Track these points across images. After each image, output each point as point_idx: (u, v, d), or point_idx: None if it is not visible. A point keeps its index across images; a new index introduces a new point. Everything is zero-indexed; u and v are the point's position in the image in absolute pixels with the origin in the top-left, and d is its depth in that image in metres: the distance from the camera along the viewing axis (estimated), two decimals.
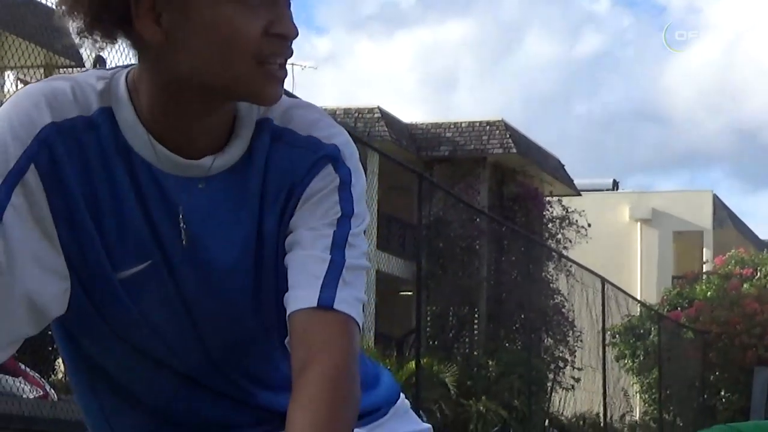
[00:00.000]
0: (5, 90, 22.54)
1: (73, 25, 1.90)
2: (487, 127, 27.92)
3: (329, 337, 1.94)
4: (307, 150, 2.02)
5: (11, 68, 21.95)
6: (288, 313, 1.97)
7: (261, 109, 2.04)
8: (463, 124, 28.48)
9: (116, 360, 2.11)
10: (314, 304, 1.94)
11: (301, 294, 1.96)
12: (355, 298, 1.99)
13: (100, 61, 20.16)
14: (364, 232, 2.11)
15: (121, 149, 1.96)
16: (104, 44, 1.92)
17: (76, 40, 1.92)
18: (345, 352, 1.94)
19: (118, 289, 2.00)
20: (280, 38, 1.92)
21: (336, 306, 1.95)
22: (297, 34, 1.94)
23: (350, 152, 2.07)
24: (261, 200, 2.03)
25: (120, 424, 2.19)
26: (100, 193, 1.96)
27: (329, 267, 1.97)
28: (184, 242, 2.00)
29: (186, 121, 1.96)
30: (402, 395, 2.39)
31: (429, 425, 2.44)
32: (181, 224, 1.99)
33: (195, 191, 2.00)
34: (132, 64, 2.01)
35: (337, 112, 24.13)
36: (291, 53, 1.96)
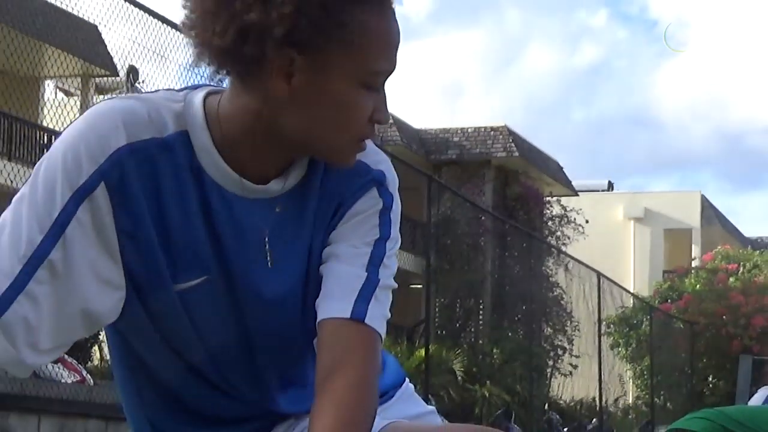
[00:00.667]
0: (45, 97, 22.44)
1: (195, 51, 1.87)
2: (492, 132, 27.68)
3: (357, 348, 1.92)
4: (357, 173, 1.99)
5: (50, 77, 21.87)
6: (320, 318, 1.95)
7: None
8: (469, 130, 28.20)
9: (157, 359, 2.06)
10: (347, 315, 1.92)
11: (336, 305, 1.93)
12: (382, 315, 1.97)
13: (133, 71, 20.16)
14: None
15: (194, 170, 1.92)
16: (219, 73, 1.88)
17: (191, 60, 1.88)
18: (370, 365, 1.92)
19: (175, 300, 1.95)
20: (378, 123, 1.94)
21: (367, 320, 1.93)
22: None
23: (392, 178, 2.05)
24: (314, 219, 2.01)
25: (153, 412, 2.14)
26: (169, 209, 1.91)
27: (365, 283, 1.95)
28: (269, 263, 1.99)
29: (261, 156, 1.93)
30: (407, 380, 2.35)
31: (433, 407, 2.38)
32: (267, 246, 1.98)
33: (273, 214, 1.98)
34: (199, 86, 1.98)
35: None
36: None
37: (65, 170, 1.84)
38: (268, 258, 1.98)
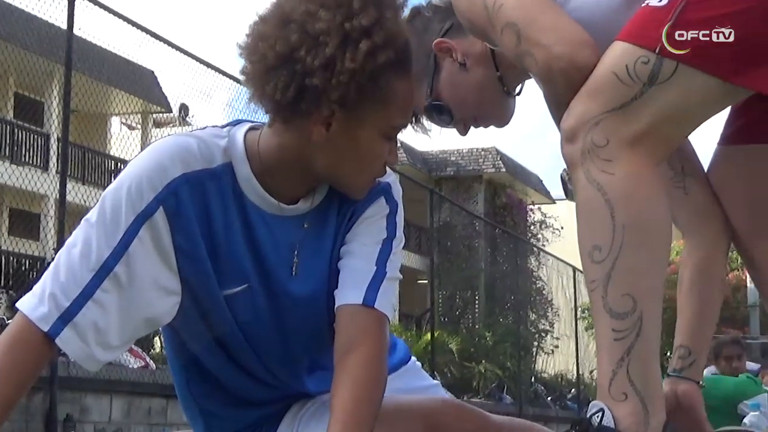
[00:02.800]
0: (112, 131, 22.56)
1: (252, 98, 1.88)
2: (483, 152, 27.73)
3: (369, 329, 1.92)
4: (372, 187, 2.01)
5: (116, 114, 21.98)
6: (337, 304, 1.95)
7: None
8: (464, 150, 28.22)
9: (205, 352, 2.07)
10: (360, 301, 1.92)
11: (350, 293, 1.93)
12: (389, 302, 1.97)
13: (184, 108, 20.32)
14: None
15: (237, 196, 1.93)
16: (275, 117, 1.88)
17: (249, 102, 1.90)
18: (379, 343, 1.92)
19: (223, 304, 1.95)
20: (389, 165, 1.98)
21: (377, 306, 1.93)
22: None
23: (397, 189, 2.06)
24: (335, 231, 2.02)
25: (200, 395, 2.15)
26: (216, 229, 1.92)
27: (374, 275, 1.95)
28: (294, 272, 1.99)
29: (293, 183, 1.95)
30: (413, 358, 2.35)
31: (438, 381, 2.38)
32: (295, 258, 1.98)
33: (302, 230, 1.98)
34: (239, 121, 1.99)
35: None
36: None
37: (129, 197, 1.84)
38: (294, 268, 1.97)
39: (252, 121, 2.01)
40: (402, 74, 1.88)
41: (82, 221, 1.88)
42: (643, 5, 2.01)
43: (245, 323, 1.99)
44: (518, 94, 2.51)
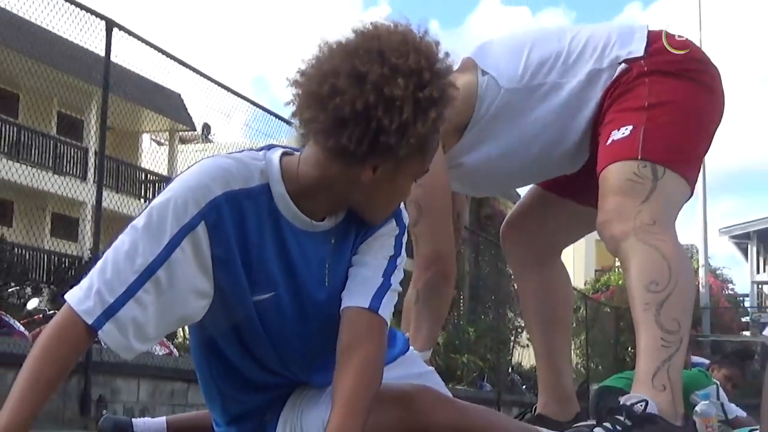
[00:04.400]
0: (142, 147, 22.57)
1: (319, 139, 1.85)
2: None
3: (371, 330, 1.95)
4: None
5: (146, 132, 21.96)
6: (345, 306, 1.97)
7: None
8: None
9: (229, 347, 2.09)
10: (366, 305, 1.95)
11: (359, 298, 1.96)
12: (389, 310, 1.99)
13: (206, 127, 20.29)
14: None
15: (272, 213, 1.94)
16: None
17: (295, 134, 1.94)
18: (380, 344, 1.96)
19: (251, 308, 1.98)
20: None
21: (380, 311, 1.96)
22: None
23: (405, 214, 2.10)
24: (353, 244, 2.04)
25: (219, 380, 2.16)
26: (251, 241, 1.93)
27: (380, 285, 1.98)
28: (327, 284, 2.01)
29: (325, 205, 1.97)
30: (411, 348, 2.39)
31: (432, 368, 2.41)
32: (326, 270, 2.01)
33: (330, 245, 2.01)
34: (272, 146, 2.01)
35: None
36: None
37: (175, 210, 1.86)
38: (327, 279, 2.00)
39: (284, 147, 2.02)
40: (431, 121, 1.86)
41: (129, 227, 1.89)
42: (608, 143, 2.54)
43: (269, 325, 2.01)
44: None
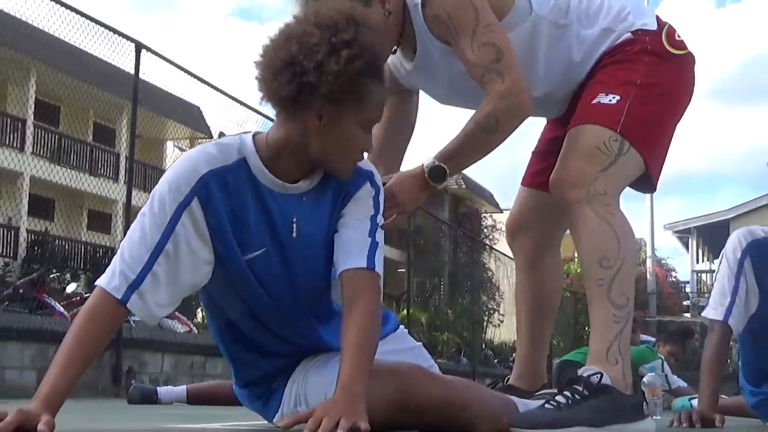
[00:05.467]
0: (167, 152, 22.54)
1: (262, 95, 1.93)
2: None
3: (369, 285, 1.94)
4: (357, 173, 2.03)
5: (170, 139, 21.92)
6: (343, 268, 1.96)
7: None
8: None
9: (234, 312, 2.08)
10: (365, 265, 1.95)
11: (355, 259, 1.95)
12: (381, 263, 1.99)
13: (222, 135, 20.31)
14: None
15: (251, 181, 1.97)
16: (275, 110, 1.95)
17: (258, 103, 1.98)
18: (377, 296, 1.95)
19: (245, 266, 1.98)
20: (365, 151, 2.04)
21: (376, 269, 1.96)
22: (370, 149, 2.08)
23: (378, 176, 2.09)
24: (332, 205, 2.02)
25: (233, 347, 2.16)
26: (237, 209, 1.95)
27: (371, 245, 1.97)
28: (294, 234, 2.00)
29: (294, 166, 1.98)
30: (401, 326, 2.38)
31: (420, 343, 2.41)
32: (294, 224, 2.00)
33: (301, 203, 2.01)
34: (246, 132, 2.03)
35: None
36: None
37: (171, 192, 1.91)
38: (294, 231, 2.00)
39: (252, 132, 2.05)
40: (375, 78, 1.93)
41: (138, 215, 1.93)
42: (593, 102, 2.37)
43: (263, 280, 2.00)
44: (394, 52, 2.52)
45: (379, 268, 1.98)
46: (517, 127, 2.32)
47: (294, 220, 1.99)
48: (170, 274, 1.89)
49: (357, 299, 1.91)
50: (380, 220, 2.04)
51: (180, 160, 1.96)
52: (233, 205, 1.95)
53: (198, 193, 1.91)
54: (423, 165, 2.33)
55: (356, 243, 1.98)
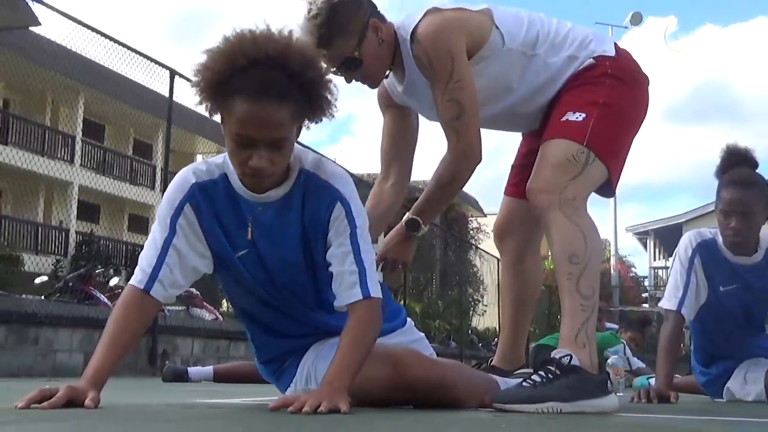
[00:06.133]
0: None
1: (194, 96, 1.84)
2: None
3: (365, 309, 1.88)
4: (326, 191, 1.93)
5: (200, 153, 21.95)
6: (340, 304, 1.90)
7: (302, 161, 1.95)
8: (427, 180, 28.18)
9: (241, 298, 2.09)
10: (359, 297, 1.88)
11: (347, 296, 1.89)
12: (376, 281, 1.92)
13: None
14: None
15: (230, 192, 1.95)
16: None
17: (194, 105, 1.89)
18: (373, 313, 1.90)
19: (237, 262, 1.98)
20: (253, 169, 1.83)
21: (372, 294, 1.89)
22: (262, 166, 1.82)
23: (347, 190, 1.95)
24: (302, 215, 1.94)
25: (250, 330, 2.16)
26: (220, 214, 1.95)
27: (359, 274, 1.89)
28: (249, 237, 1.96)
29: (253, 181, 1.89)
30: (408, 320, 2.31)
31: (423, 335, 2.35)
32: (249, 227, 1.96)
33: (258, 211, 1.95)
34: None
35: (364, 177, 24.01)
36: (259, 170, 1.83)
37: (168, 202, 1.95)
38: (250, 233, 1.96)
39: None
40: (249, 99, 1.76)
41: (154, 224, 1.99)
42: (562, 120, 2.39)
43: (254, 276, 2.00)
44: (386, 76, 2.50)
45: (374, 289, 1.89)
46: (470, 175, 2.44)
47: (249, 224, 1.95)
48: (180, 264, 1.93)
49: (352, 314, 1.88)
50: (362, 231, 1.93)
51: (176, 178, 1.98)
52: (217, 211, 1.95)
53: (189, 200, 1.94)
54: (402, 221, 2.46)
55: (346, 280, 1.89)
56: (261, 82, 1.75)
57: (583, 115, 2.35)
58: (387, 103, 2.61)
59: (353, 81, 2.41)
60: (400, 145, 2.67)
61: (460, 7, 2.41)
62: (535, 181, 2.34)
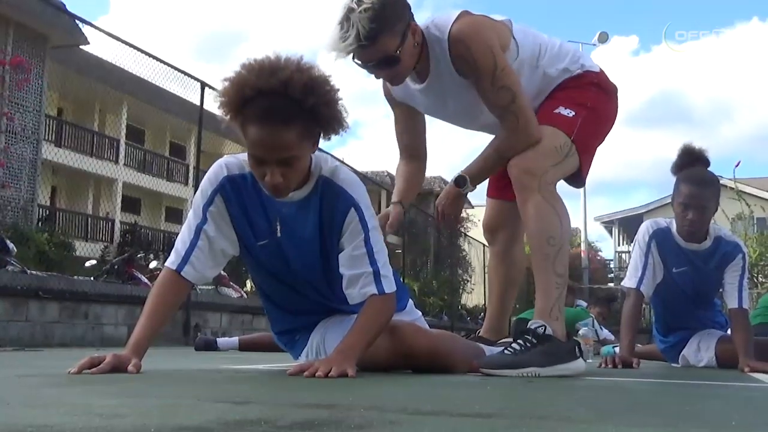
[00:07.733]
0: None
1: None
2: (434, 178, 27.59)
3: (380, 302, 1.87)
4: (341, 197, 1.89)
5: (227, 153, 21.89)
6: (361, 300, 1.87)
7: (321, 168, 1.90)
8: (438, 176, 28.06)
9: (263, 279, 2.07)
10: (375, 293, 1.87)
11: (364, 290, 1.87)
12: (390, 280, 1.88)
13: None
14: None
15: (256, 187, 1.91)
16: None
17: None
18: (387, 304, 1.89)
19: (259, 250, 1.96)
20: (270, 184, 1.78)
21: (386, 290, 1.88)
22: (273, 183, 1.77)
23: (360, 197, 1.91)
24: (320, 216, 1.91)
25: (270, 307, 2.15)
26: (247, 207, 1.92)
27: (373, 275, 1.87)
28: (278, 234, 1.94)
29: (271, 194, 1.85)
30: (410, 301, 2.29)
31: (421, 314, 2.33)
32: (277, 224, 1.93)
33: (285, 208, 1.92)
34: None
35: (368, 174, 24.01)
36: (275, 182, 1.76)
37: (202, 192, 1.92)
38: (278, 229, 1.94)
39: None
40: (257, 124, 1.71)
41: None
42: (554, 112, 2.34)
43: (272, 263, 1.98)
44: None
45: (388, 286, 1.87)
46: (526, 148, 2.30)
47: (277, 220, 1.93)
48: (209, 247, 1.90)
49: (370, 302, 1.87)
50: (373, 233, 1.89)
51: (210, 169, 1.93)
52: (243, 203, 1.92)
53: (220, 191, 1.91)
54: (452, 178, 2.42)
55: (362, 281, 1.86)
56: (265, 110, 1.70)
57: (573, 112, 2.34)
58: (394, 100, 2.58)
59: (379, 78, 2.31)
60: (411, 130, 2.61)
61: (486, 15, 2.35)
62: (522, 160, 2.25)
